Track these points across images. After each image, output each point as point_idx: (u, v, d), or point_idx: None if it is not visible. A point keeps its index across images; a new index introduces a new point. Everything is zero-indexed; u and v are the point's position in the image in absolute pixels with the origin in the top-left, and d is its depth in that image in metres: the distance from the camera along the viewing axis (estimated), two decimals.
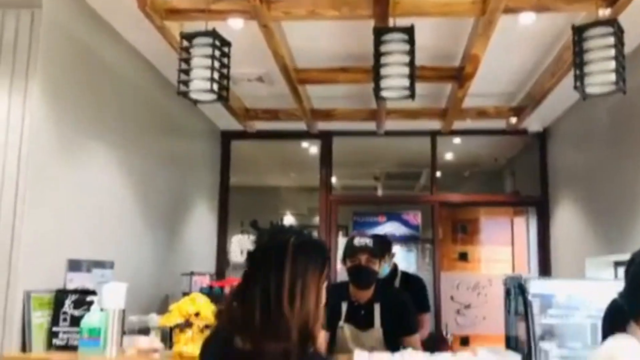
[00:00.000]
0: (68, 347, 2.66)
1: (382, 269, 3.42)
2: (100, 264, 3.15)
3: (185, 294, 3.27)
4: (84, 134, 3.08)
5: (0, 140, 2.63)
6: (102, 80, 3.29)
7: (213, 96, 2.75)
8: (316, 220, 6.05)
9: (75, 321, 2.67)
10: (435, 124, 5.15)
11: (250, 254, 1.51)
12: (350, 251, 3.05)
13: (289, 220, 8.04)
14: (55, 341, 2.67)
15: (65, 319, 2.70)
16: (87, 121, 3.11)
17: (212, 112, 5.00)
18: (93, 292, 2.75)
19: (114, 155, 3.42)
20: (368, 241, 3.11)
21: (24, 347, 2.56)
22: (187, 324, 2.53)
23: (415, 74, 2.72)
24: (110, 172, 3.39)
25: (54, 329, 2.69)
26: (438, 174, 5.73)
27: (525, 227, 6.04)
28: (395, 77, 2.70)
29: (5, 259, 2.55)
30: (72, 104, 2.97)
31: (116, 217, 3.46)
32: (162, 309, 3.34)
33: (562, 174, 5.16)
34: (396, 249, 5.87)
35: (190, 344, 2.50)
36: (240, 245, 5.88)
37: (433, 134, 5.48)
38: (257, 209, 6.73)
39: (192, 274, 4.33)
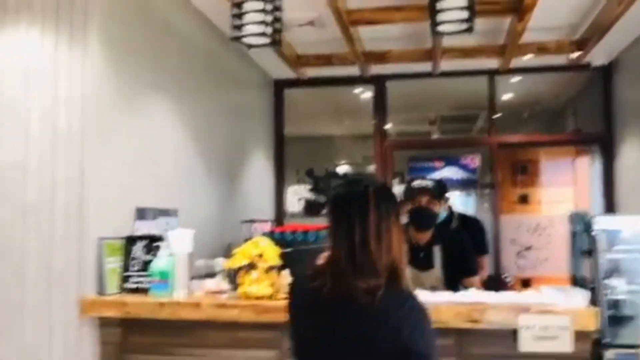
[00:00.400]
0: (139, 290, 2.78)
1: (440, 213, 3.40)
2: (165, 212, 3.25)
3: (247, 240, 3.34)
4: (144, 86, 3.13)
5: (63, 94, 2.70)
6: (159, 32, 3.32)
7: (266, 40, 2.73)
8: (371, 168, 6.04)
9: (145, 266, 2.79)
10: (492, 63, 4.98)
11: (332, 204, 1.66)
12: (410, 193, 3.04)
13: (343, 169, 8.04)
14: (126, 285, 2.80)
15: (135, 264, 2.82)
16: (146, 73, 3.16)
17: (264, 60, 5.00)
18: (160, 238, 2.84)
19: (173, 106, 3.48)
20: (428, 183, 3.09)
21: (100, 290, 2.70)
22: (252, 266, 2.60)
23: (474, 4, 2.61)
24: (170, 123, 3.45)
25: (125, 273, 2.81)
26: (496, 115, 5.57)
27: (587, 167, 5.85)
28: (453, 10, 2.61)
29: (77, 208, 2.66)
30: (131, 56, 3.02)
31: (179, 167, 3.54)
32: (225, 255, 3.44)
33: (629, 109, 4.92)
34: (454, 194, 5.82)
35: (255, 284, 2.56)
36: (297, 195, 5.95)
37: (490, 74, 5.31)
38: (312, 158, 6.77)
39: (252, 221, 4.42)
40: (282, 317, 2.41)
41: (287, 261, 2.69)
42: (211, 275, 2.96)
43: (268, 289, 2.58)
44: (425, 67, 5.00)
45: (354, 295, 1.49)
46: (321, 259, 1.66)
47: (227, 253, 3.54)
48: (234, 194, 4.60)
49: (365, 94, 5.90)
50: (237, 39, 2.71)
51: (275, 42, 2.80)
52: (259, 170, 5.38)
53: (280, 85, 5.67)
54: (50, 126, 2.70)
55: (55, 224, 2.67)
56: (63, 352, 2.64)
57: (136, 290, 2.79)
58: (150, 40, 3.22)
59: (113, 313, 2.62)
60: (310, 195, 5.97)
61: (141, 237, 2.87)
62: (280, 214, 5.74)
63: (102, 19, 2.75)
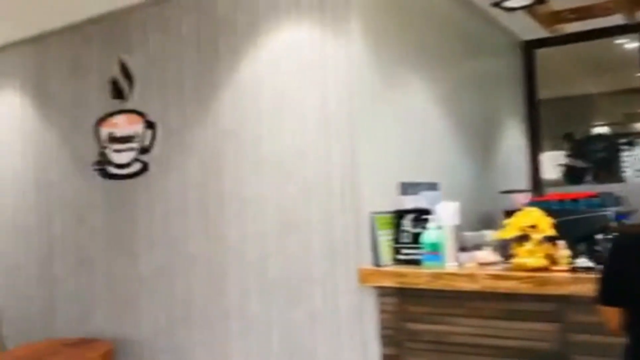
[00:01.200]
0: (410, 262, 2.90)
1: None
2: (427, 186, 3.33)
3: (508, 212, 3.26)
4: (402, 66, 3.23)
5: (332, 82, 2.93)
6: (414, 12, 3.38)
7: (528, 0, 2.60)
8: (635, 127, 5.40)
9: (415, 238, 2.90)
10: None
11: None
12: None
13: (602, 130, 7.31)
14: (398, 256, 2.94)
15: (405, 237, 2.95)
16: (404, 55, 3.25)
17: (512, 22, 4.75)
18: (428, 212, 2.92)
19: (429, 85, 3.52)
20: None
21: (376, 262, 2.88)
22: (524, 237, 2.53)
23: None
24: (427, 100, 3.51)
25: (396, 245, 2.96)
26: None
27: None
28: None
29: (350, 186, 2.88)
30: (389, 39, 3.13)
31: (436, 143, 3.59)
32: (486, 227, 3.40)
33: None
34: None
35: (530, 255, 2.49)
36: (554, 161, 5.59)
37: None
38: (567, 121, 6.28)
39: (511, 191, 4.28)
40: (563, 289, 2.33)
41: (561, 231, 2.55)
42: (478, 247, 2.95)
43: (543, 260, 2.49)
44: None
45: None
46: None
47: (487, 224, 3.51)
48: (488, 164, 4.51)
49: (630, 44, 5.26)
50: (498, 4, 2.63)
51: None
52: (512, 138, 5.17)
53: (530, 47, 5.35)
54: (323, 113, 2.95)
55: (332, 201, 2.93)
56: (347, 317, 2.89)
57: (408, 262, 2.91)
58: (406, 21, 3.30)
59: (390, 283, 2.78)
60: (569, 161, 5.56)
61: (409, 211, 2.99)
62: (536, 183, 5.45)
63: (361, 8, 2.90)
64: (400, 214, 2.98)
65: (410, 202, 3.15)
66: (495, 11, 3.88)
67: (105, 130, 3.78)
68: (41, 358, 3.32)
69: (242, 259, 3.23)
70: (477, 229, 3.29)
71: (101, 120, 3.80)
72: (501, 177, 4.72)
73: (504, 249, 2.73)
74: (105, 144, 3.77)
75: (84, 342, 3.64)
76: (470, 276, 2.56)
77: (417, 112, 3.38)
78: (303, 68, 3.02)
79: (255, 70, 3.19)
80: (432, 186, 3.40)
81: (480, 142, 4.38)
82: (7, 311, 4.37)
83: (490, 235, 2.89)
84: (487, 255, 2.74)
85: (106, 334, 3.78)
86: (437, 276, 2.65)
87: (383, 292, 2.85)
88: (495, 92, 4.85)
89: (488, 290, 2.51)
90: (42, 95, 4.16)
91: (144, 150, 3.60)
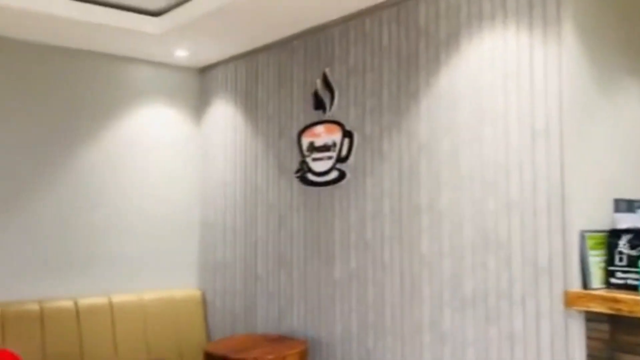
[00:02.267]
0: (625, 287, 2.63)
1: None
2: None
3: None
4: (619, 72, 2.95)
5: (540, 90, 2.77)
6: (635, 8, 3.08)
7: None
8: None
9: (632, 261, 2.62)
10: None
11: None
12: None
13: None
14: (612, 279, 2.69)
15: (621, 259, 2.68)
16: (622, 58, 2.97)
17: None
18: None
19: None
20: None
21: (584, 284, 2.66)
22: None
23: None
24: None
25: (610, 267, 2.70)
26: None
27: None
28: None
29: (558, 202, 2.70)
30: (606, 40, 2.88)
31: None
32: None
33: None
34: None
35: None
36: None
37: None
38: None
39: None
40: None
41: None
42: None
43: None
44: None
45: None
46: None
47: None
48: None
49: None
50: None
51: None
52: None
53: None
54: (528, 124, 2.81)
55: (537, 218, 2.76)
56: (549, 341, 2.71)
57: (622, 287, 2.65)
58: (625, 18, 3.01)
59: (601, 308, 2.54)
60: None
61: (626, 231, 2.71)
62: None
63: (576, 7, 2.71)
64: (615, 234, 2.72)
65: (626, 220, 2.86)
66: None
67: (306, 140, 3.99)
68: (244, 349, 3.60)
69: (436, 271, 3.20)
70: None
71: (303, 130, 4.01)
72: None
73: None
74: (306, 153, 3.98)
75: (283, 339, 3.87)
76: None
77: (636, 122, 3.06)
78: (507, 77, 2.90)
79: (454, 80, 3.14)
80: None
81: None
82: (214, 304, 4.81)
83: None
84: None
85: (300, 333, 3.98)
86: None
87: (592, 317, 2.62)
88: None
89: None
90: (251, 105, 4.52)
91: (342, 159, 3.73)
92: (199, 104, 5.10)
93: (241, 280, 4.55)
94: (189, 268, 5.00)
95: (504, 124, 2.91)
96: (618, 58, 2.95)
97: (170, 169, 4.92)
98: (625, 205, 2.89)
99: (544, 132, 2.75)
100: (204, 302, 4.90)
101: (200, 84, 5.10)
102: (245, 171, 4.55)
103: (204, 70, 5.06)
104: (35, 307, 4.04)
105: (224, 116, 4.80)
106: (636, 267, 2.59)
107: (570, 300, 2.63)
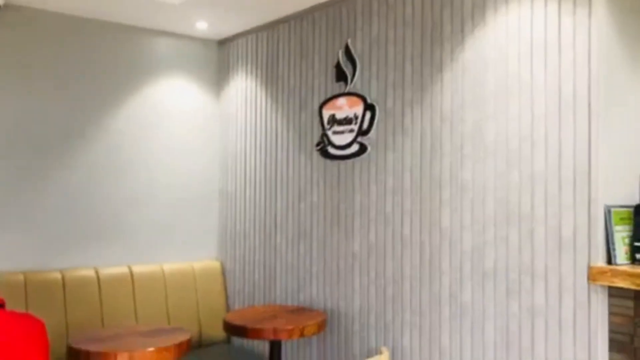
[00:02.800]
0: None
1: None
2: None
3: None
4: None
5: (567, 61, 2.72)
6: None
7: None
8: None
9: None
10: None
11: None
12: None
13: None
14: (637, 255, 2.65)
15: None
16: None
17: None
18: None
19: None
20: None
21: (609, 259, 2.64)
22: None
23: None
24: None
25: (636, 243, 2.66)
26: None
27: None
28: None
29: (583, 175, 2.66)
30: (634, 10, 2.81)
31: None
32: None
33: None
34: None
35: None
36: None
37: None
38: None
39: None
40: None
41: None
42: None
43: None
44: None
45: None
46: None
47: None
48: None
49: None
50: None
51: None
52: None
53: None
54: (556, 95, 2.75)
55: (562, 191, 2.73)
56: (572, 316, 2.69)
57: None
58: None
59: (626, 284, 2.52)
60: None
61: None
62: None
63: None
64: None
65: None
66: None
67: (327, 113, 3.96)
68: (264, 320, 3.63)
69: (456, 245, 3.18)
70: None
71: (325, 102, 3.99)
72: None
73: None
74: (327, 126, 3.96)
75: (301, 310, 3.90)
76: None
77: None
78: (534, 48, 2.84)
79: (479, 52, 3.09)
80: None
81: None
82: (233, 274, 4.85)
83: None
84: None
85: (319, 305, 4.00)
86: None
87: (617, 293, 2.60)
88: None
89: None
90: (271, 78, 4.50)
91: (363, 132, 3.70)
92: (219, 77, 5.09)
93: (260, 251, 4.58)
94: (209, 239, 5.04)
95: (529, 96, 2.86)
96: None
97: (190, 141, 4.94)
98: None
99: (571, 104, 2.70)
100: (223, 272, 4.94)
101: (220, 56, 5.08)
102: (265, 144, 4.54)
103: (224, 43, 5.03)
104: (57, 275, 4.11)
105: (244, 89, 4.79)
106: None
107: (594, 276, 2.61)
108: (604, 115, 2.64)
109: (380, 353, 2.40)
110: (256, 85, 4.65)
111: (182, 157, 4.89)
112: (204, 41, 5.01)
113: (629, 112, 2.77)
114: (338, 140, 3.87)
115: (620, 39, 2.72)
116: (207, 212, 5.03)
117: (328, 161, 3.97)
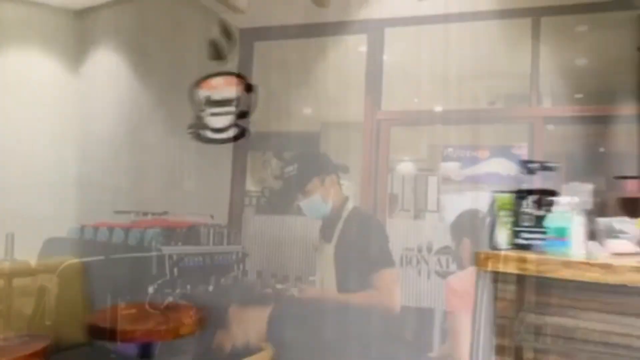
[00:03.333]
0: (530, 247, 2.65)
1: None
2: (546, 167, 3.05)
3: (624, 199, 2.95)
4: None
5: None
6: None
7: None
8: None
9: (537, 221, 2.64)
10: None
11: None
12: None
13: None
14: (517, 240, 2.69)
15: (525, 219, 2.69)
16: None
17: None
18: (554, 193, 2.66)
19: None
20: None
21: (491, 244, 2.65)
22: None
23: None
24: None
25: (516, 228, 2.70)
26: None
27: None
28: None
29: None
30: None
31: None
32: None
33: None
34: None
35: None
36: None
37: None
38: None
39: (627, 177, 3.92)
40: None
41: None
42: (609, 235, 2.67)
43: None
44: None
45: None
46: None
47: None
48: None
49: None
50: None
51: None
52: None
53: None
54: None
55: None
56: None
57: (527, 247, 2.66)
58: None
59: (509, 268, 2.54)
60: None
61: (531, 191, 2.73)
62: None
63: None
64: (521, 195, 2.72)
65: (534, 181, 2.88)
66: None
67: (202, 93, 3.68)
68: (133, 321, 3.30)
69: None
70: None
71: (198, 82, 3.70)
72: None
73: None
74: (201, 107, 3.68)
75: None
76: (607, 267, 2.29)
77: None
78: None
79: None
80: (549, 167, 3.11)
81: None
82: (95, 273, 4.40)
83: (627, 223, 2.60)
84: (624, 245, 2.46)
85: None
86: (567, 264, 2.39)
87: (500, 278, 2.62)
88: None
89: (630, 284, 2.24)
90: (138, 55, 4.11)
91: (243, 114, 3.47)
92: (77, 50, 4.57)
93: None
94: (63, 231, 4.52)
95: None
96: None
97: (41, 119, 4.37)
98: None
99: None
100: (84, 271, 4.47)
101: (78, 28, 4.56)
102: (131, 127, 4.15)
103: (82, 13, 4.53)
104: None
105: (108, 66, 4.34)
106: (541, 227, 2.60)
107: (480, 262, 2.60)
108: None
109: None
110: (120, 63, 4.22)
111: (28, 138, 4.31)
112: (58, 10, 4.46)
113: None
114: (215, 122, 3.61)
115: None
116: (62, 203, 4.50)
117: (203, 145, 3.69)
